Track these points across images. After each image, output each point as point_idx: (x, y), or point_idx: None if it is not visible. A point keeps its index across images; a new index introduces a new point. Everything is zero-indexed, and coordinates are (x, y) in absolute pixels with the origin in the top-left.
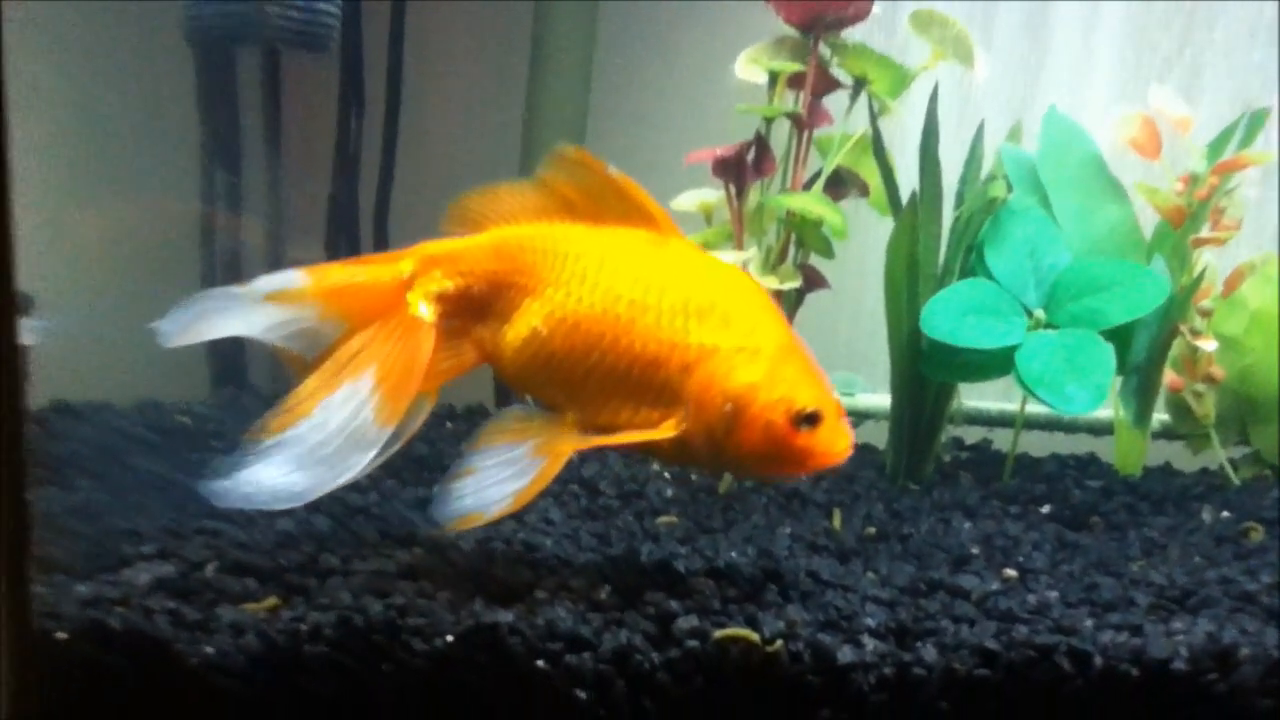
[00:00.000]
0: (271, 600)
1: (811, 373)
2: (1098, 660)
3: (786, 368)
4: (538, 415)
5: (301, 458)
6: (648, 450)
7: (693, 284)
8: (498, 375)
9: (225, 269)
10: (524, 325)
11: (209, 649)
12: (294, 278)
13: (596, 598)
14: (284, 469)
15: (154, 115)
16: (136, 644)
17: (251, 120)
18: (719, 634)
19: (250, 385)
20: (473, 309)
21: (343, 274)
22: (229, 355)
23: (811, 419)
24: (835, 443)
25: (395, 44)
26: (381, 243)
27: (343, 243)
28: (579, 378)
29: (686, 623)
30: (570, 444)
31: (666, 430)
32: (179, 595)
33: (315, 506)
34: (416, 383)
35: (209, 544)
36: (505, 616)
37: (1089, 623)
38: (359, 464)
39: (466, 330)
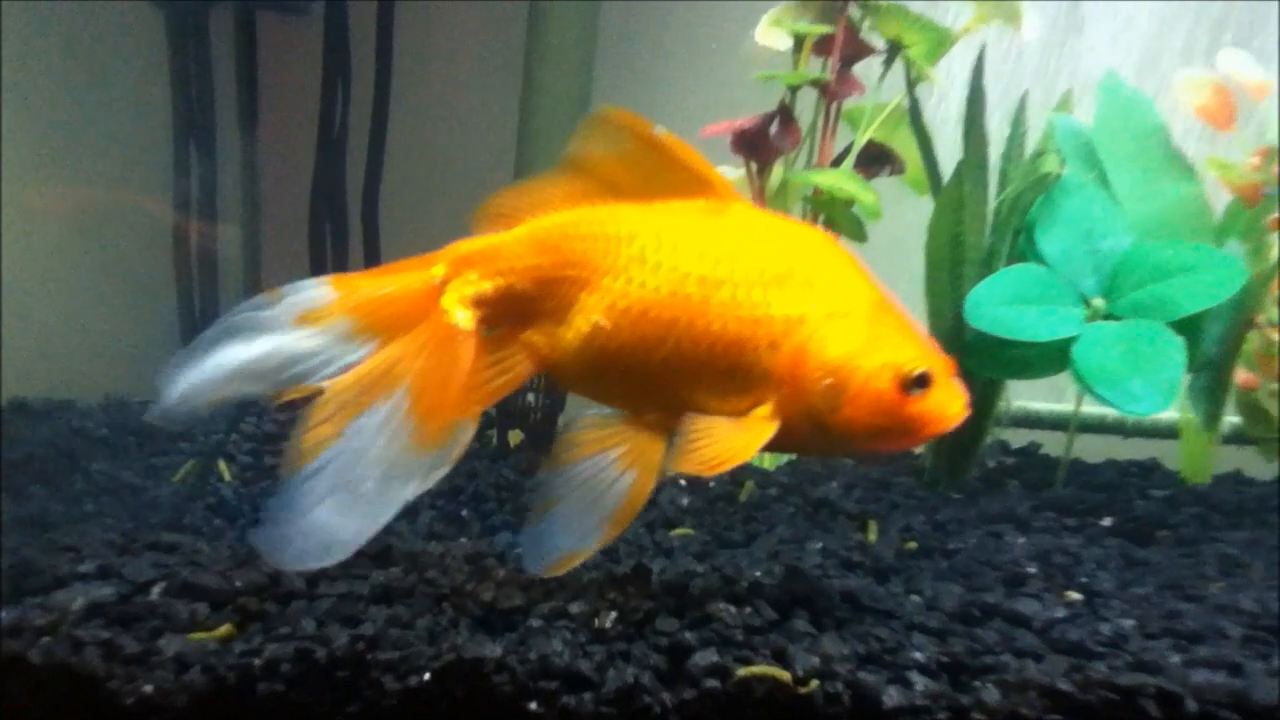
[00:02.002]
0: (224, 629)
1: (912, 330)
2: (1191, 705)
3: (884, 328)
4: (613, 419)
5: (342, 497)
6: None
7: (765, 249)
8: (558, 383)
9: (200, 253)
10: (583, 322)
11: (147, 687)
12: (321, 294)
13: (599, 626)
14: (328, 515)
15: (122, 88)
16: (60, 682)
17: (227, 92)
18: (742, 671)
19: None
20: (518, 312)
21: (371, 284)
22: None
23: (922, 381)
24: (950, 405)
25: (385, 6)
26: (371, 227)
27: (327, 227)
28: (653, 372)
29: (704, 657)
30: (660, 449)
31: (768, 427)
32: (117, 623)
33: None
34: (455, 398)
35: (158, 561)
36: (492, 649)
37: (1175, 658)
38: (400, 499)
39: (515, 337)
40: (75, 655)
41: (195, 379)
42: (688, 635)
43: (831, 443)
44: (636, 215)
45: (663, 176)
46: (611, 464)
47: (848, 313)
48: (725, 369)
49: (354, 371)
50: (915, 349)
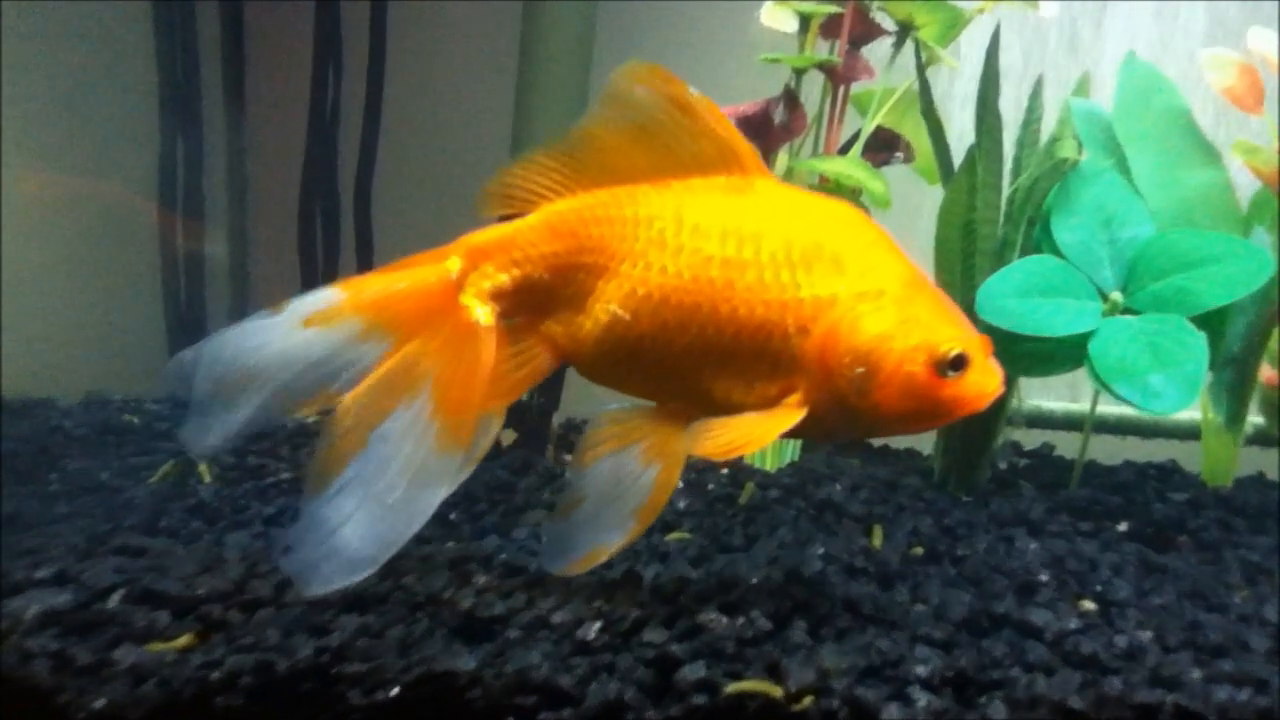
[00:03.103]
0: (184, 638)
1: (946, 308)
2: None
3: (917, 308)
4: (636, 411)
5: (370, 510)
6: None
7: (791, 227)
8: (580, 373)
9: (186, 244)
10: (601, 311)
11: (99, 702)
12: (329, 295)
13: (583, 637)
14: (355, 530)
15: (108, 74)
16: (7, 696)
17: (216, 78)
18: (732, 687)
19: None
20: (537, 302)
21: (382, 282)
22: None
23: (958, 363)
24: (986, 384)
25: None
26: (363, 214)
27: (318, 214)
28: (676, 361)
29: (693, 671)
30: (684, 442)
31: (792, 414)
32: (72, 632)
33: (272, 519)
34: (479, 396)
35: (121, 567)
36: (466, 662)
37: (1196, 673)
38: (430, 505)
39: (534, 327)
40: (23, 667)
41: (211, 403)
42: (676, 647)
43: (861, 427)
44: (656, 196)
45: (685, 146)
46: (635, 459)
47: (880, 291)
48: (752, 356)
49: (371, 377)
50: (950, 329)
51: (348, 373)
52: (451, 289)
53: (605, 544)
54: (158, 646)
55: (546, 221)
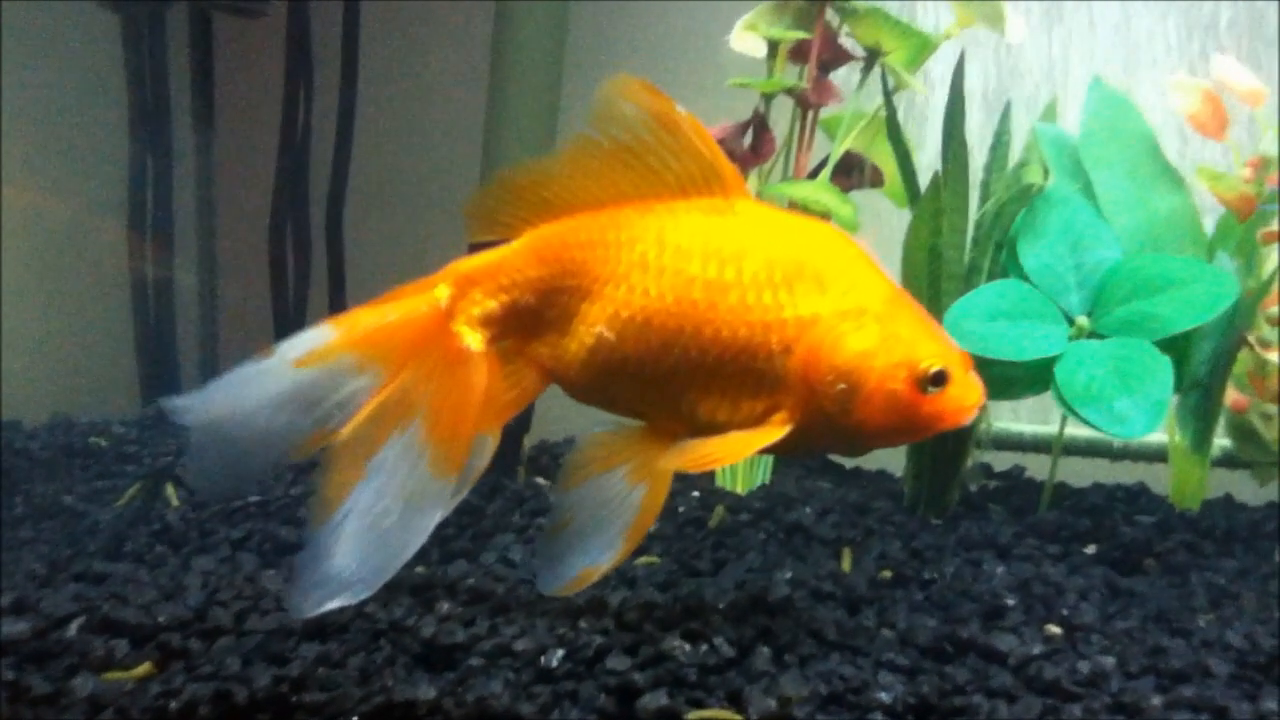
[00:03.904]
0: (143, 667)
1: (926, 324)
2: None
3: (899, 325)
4: (621, 432)
5: (364, 535)
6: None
7: (773, 248)
8: (567, 393)
9: (155, 259)
10: (586, 333)
11: None
12: (320, 334)
13: (545, 664)
14: (351, 554)
15: (76, 92)
16: None
17: (184, 94)
18: (693, 715)
19: None
20: (524, 325)
21: (373, 315)
22: (161, 366)
23: (938, 379)
24: (966, 398)
25: (351, 9)
26: (334, 233)
27: (288, 233)
28: (661, 381)
29: (653, 700)
30: (668, 460)
31: (774, 431)
32: (28, 661)
33: (239, 543)
34: (471, 422)
35: (81, 594)
36: (426, 691)
37: (1156, 699)
38: (425, 528)
39: (522, 350)
40: None
41: (209, 452)
42: (638, 675)
43: (844, 442)
44: (639, 219)
45: (670, 168)
46: (622, 479)
47: (862, 310)
48: (736, 375)
49: (367, 408)
50: (931, 345)
51: (344, 409)
52: (441, 317)
53: (595, 565)
54: (115, 675)
55: (532, 246)
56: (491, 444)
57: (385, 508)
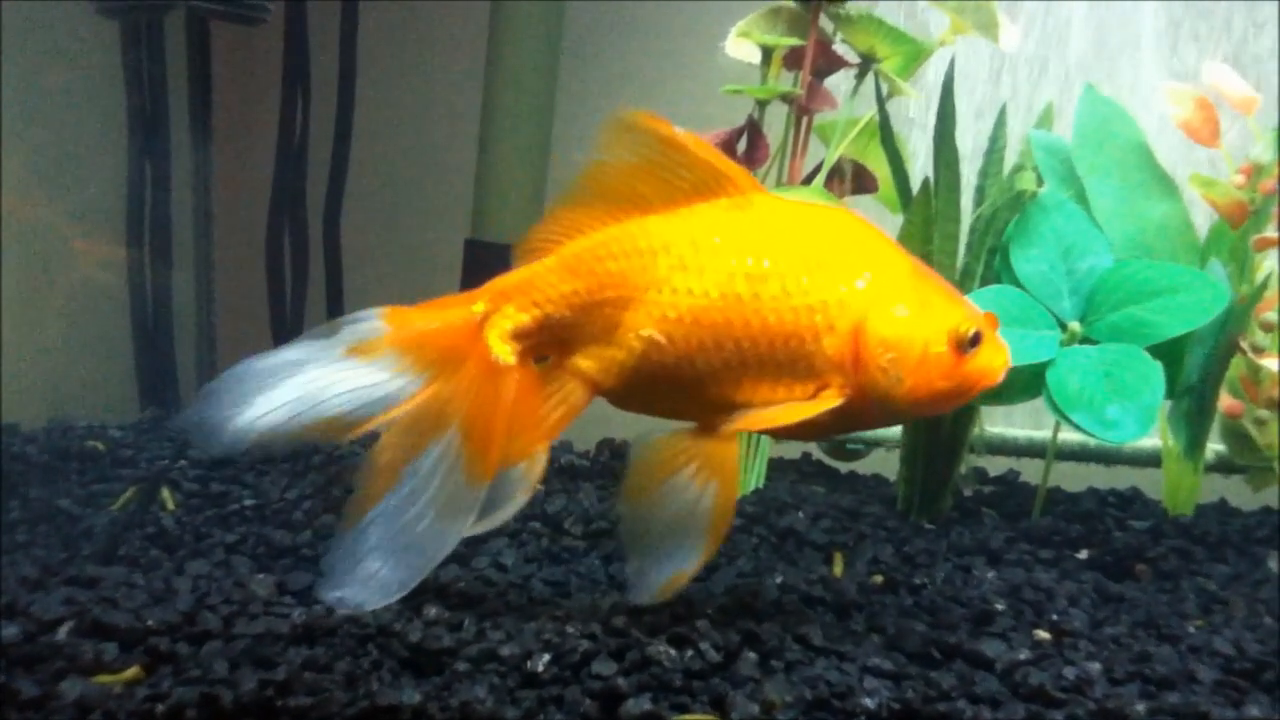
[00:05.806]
0: (131, 671)
1: (952, 291)
2: None
3: (929, 293)
4: (674, 435)
5: (399, 539)
6: (807, 427)
7: (799, 235)
8: (613, 404)
9: (153, 263)
10: (634, 339)
11: None
12: (375, 326)
13: (531, 669)
14: (384, 557)
15: (74, 99)
16: None
17: (182, 102)
18: None
19: (180, 405)
20: (563, 340)
21: (421, 319)
22: (160, 369)
23: (975, 339)
24: (997, 358)
25: (349, 10)
26: (332, 238)
27: (286, 238)
28: (714, 376)
29: (637, 705)
30: (733, 451)
31: (828, 400)
32: (17, 665)
33: (233, 547)
34: (503, 432)
35: (72, 598)
36: (410, 696)
37: (1140, 706)
38: (456, 534)
39: (564, 365)
40: None
41: (248, 414)
42: (623, 680)
43: (894, 413)
44: (665, 225)
45: (683, 177)
46: (689, 482)
47: (895, 284)
48: (786, 361)
49: (406, 415)
50: (962, 309)
51: (382, 403)
52: (476, 329)
53: (684, 569)
54: (104, 679)
55: (563, 262)
56: (543, 460)
57: (419, 512)
